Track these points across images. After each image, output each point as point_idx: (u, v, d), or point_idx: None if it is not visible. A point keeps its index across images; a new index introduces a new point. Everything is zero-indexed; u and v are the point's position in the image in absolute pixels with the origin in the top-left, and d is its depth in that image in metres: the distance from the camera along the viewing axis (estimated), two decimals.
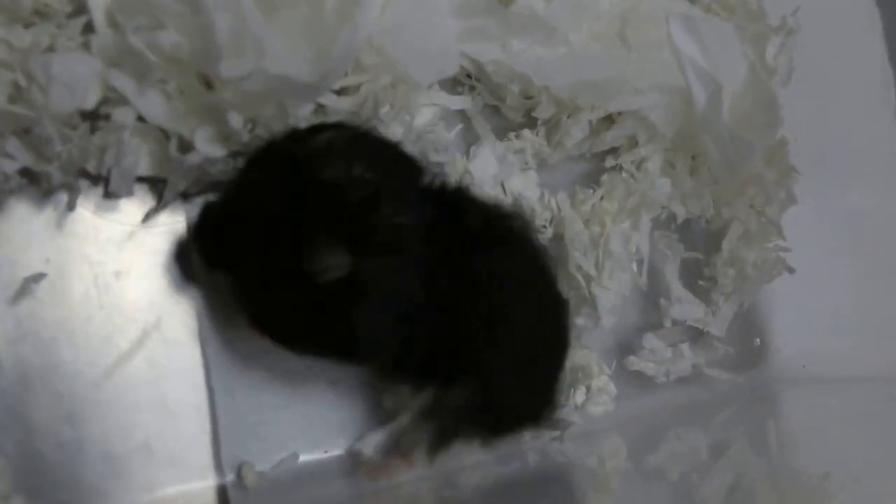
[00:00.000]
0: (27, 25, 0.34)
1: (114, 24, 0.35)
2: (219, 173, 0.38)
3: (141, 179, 0.38)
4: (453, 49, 0.43)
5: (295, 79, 0.37)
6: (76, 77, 0.35)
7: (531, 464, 0.46)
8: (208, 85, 0.38)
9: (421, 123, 0.43)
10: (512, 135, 0.45)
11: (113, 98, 0.36)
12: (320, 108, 0.40)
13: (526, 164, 0.45)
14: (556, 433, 0.47)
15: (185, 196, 0.39)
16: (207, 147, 0.37)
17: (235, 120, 0.37)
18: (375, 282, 0.33)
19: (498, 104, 0.45)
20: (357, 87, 0.41)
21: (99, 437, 0.37)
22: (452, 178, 0.43)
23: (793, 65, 0.50)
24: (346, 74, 0.40)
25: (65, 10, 0.35)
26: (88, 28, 0.35)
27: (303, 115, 0.39)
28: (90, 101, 0.36)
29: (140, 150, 0.37)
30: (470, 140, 0.45)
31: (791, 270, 0.49)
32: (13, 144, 0.35)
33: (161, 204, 0.38)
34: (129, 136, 0.36)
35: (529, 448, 0.46)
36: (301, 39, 0.38)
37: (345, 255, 0.33)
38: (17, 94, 0.34)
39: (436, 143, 0.42)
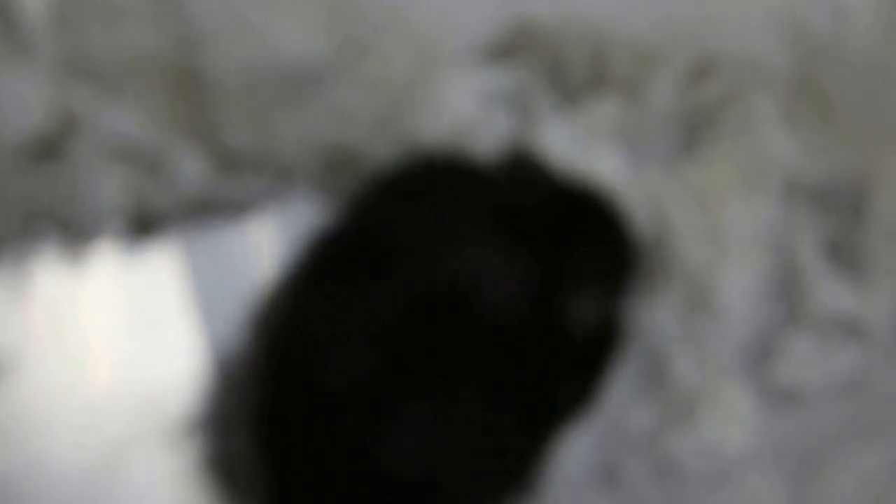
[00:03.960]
0: None
1: (58, 25, 0.31)
2: (216, 194, 0.34)
3: (117, 220, 0.34)
4: (495, 6, 0.38)
5: (312, 64, 0.33)
6: (25, 97, 0.31)
7: None
8: (189, 89, 0.33)
9: (463, 117, 0.38)
10: (580, 103, 0.40)
11: (70, 120, 0.32)
12: None
13: (604, 137, 0.40)
14: (671, 477, 0.41)
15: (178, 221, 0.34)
16: (193, 172, 0.33)
17: (235, 130, 0.33)
18: None
19: (558, 67, 0.40)
20: (379, 82, 0.36)
21: None
22: None
23: None
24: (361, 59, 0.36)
25: None
26: (25, 35, 0.31)
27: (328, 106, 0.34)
28: (44, 128, 0.32)
29: (112, 186, 0.33)
30: (524, 121, 0.40)
31: None
32: None
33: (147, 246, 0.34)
34: (98, 169, 0.32)
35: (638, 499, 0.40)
36: (304, 13, 0.34)
37: None
38: None
39: (484, 134, 0.38)
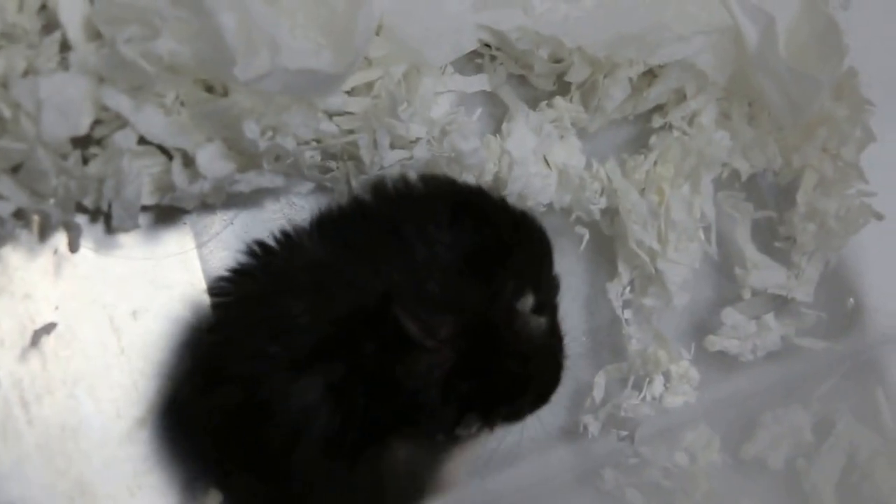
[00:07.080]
0: None
1: (95, 36, 0.34)
2: (235, 186, 0.38)
3: (145, 208, 0.38)
4: (469, 21, 0.42)
5: (318, 71, 0.36)
6: (68, 99, 0.34)
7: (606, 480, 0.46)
8: (210, 92, 0.37)
9: (440, 115, 0.42)
10: (543, 104, 0.44)
11: (106, 119, 0.36)
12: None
13: (566, 133, 0.44)
14: (625, 433, 0.46)
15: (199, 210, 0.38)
16: (213, 166, 0.36)
17: (251, 129, 0.36)
18: None
19: (524, 73, 0.44)
20: (369, 86, 0.40)
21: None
22: (490, 163, 0.42)
23: None
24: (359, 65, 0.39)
25: (35, 27, 0.34)
26: (66, 45, 0.35)
27: (329, 109, 0.38)
28: (83, 125, 0.35)
29: (141, 178, 0.36)
30: (496, 120, 0.44)
31: (879, 217, 0.48)
32: (5, 184, 0.34)
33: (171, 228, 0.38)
34: (129, 163, 0.36)
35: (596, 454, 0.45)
36: (311, 28, 0.37)
37: None
38: (1, 127, 0.33)
39: (462, 132, 0.41)
